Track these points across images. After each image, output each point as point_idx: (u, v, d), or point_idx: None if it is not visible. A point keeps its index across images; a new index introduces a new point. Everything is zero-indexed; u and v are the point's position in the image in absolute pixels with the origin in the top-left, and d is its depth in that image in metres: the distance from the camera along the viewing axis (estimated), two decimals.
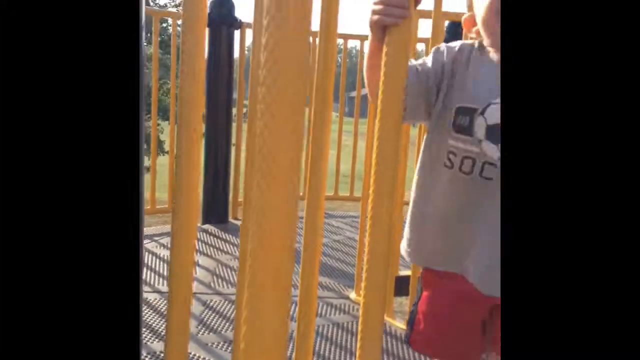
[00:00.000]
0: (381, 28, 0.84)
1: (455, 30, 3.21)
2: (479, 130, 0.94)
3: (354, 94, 4.55)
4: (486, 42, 1.01)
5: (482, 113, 0.94)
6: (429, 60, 1.02)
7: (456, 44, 1.03)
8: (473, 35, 1.04)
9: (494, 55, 1.00)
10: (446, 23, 2.94)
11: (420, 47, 3.13)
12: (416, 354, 1.82)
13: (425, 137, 1.08)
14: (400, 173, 2.07)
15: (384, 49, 0.84)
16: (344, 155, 4.00)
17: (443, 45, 1.03)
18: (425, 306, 1.08)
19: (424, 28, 2.32)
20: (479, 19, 0.99)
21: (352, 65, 5.12)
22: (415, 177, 1.10)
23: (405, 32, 0.85)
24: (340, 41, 3.89)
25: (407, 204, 2.31)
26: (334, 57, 1.01)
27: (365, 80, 1.03)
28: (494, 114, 0.93)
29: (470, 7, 1.05)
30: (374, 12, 0.85)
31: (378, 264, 0.88)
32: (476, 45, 1.02)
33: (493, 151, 0.94)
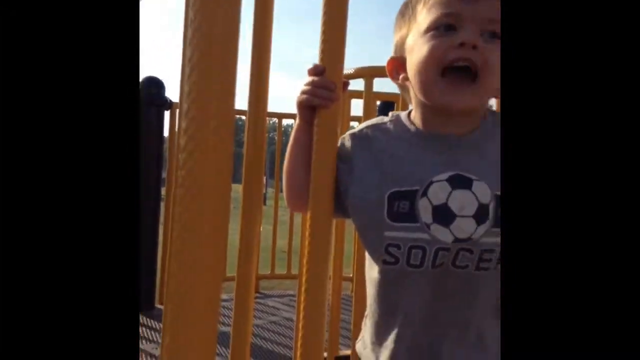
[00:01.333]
0: (309, 108, 0.84)
1: (387, 109, 3.37)
2: (424, 213, 0.82)
3: None
4: (414, 100, 0.90)
5: (425, 194, 0.82)
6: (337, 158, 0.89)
7: (361, 128, 0.92)
8: (399, 81, 0.92)
9: (419, 123, 0.88)
10: (378, 103, 3.08)
11: (355, 124, 3.25)
12: None
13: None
14: (338, 246, 2.06)
15: (314, 130, 0.86)
16: (280, 232, 3.96)
17: (345, 136, 0.91)
18: None
19: (356, 107, 2.41)
20: (411, 70, 0.86)
21: (287, 142, 5.13)
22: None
23: (334, 114, 0.86)
24: (274, 120, 3.97)
25: (348, 279, 2.28)
26: (263, 134, 1.01)
27: (284, 175, 0.92)
28: (438, 193, 0.82)
29: (397, 50, 0.92)
30: (303, 92, 0.84)
31: (313, 342, 0.85)
32: (391, 119, 0.92)
33: (446, 234, 0.82)
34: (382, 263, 0.86)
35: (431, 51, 0.81)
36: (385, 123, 0.91)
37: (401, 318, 0.88)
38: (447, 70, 0.81)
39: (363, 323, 0.99)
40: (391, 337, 0.89)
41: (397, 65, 0.92)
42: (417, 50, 0.84)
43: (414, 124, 0.89)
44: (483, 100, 0.87)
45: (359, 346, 0.98)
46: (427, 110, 0.87)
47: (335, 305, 2.04)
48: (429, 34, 0.82)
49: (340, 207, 0.87)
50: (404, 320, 0.88)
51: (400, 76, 0.91)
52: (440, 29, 0.81)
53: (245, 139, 0.99)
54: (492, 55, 0.80)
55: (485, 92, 0.84)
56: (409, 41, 0.87)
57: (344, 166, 0.87)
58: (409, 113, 0.92)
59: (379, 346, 0.92)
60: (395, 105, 2.02)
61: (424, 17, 0.84)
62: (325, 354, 1.96)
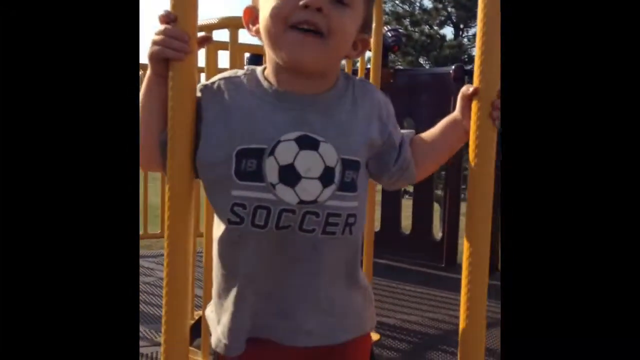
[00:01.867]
0: (162, 61, 0.79)
1: (255, 61, 3.28)
2: (270, 173, 0.80)
3: None
4: (268, 57, 0.87)
5: (272, 153, 0.80)
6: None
7: (214, 80, 0.87)
8: (253, 33, 0.88)
9: (273, 80, 0.86)
10: (246, 55, 2.99)
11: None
12: None
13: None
14: (195, 207, 2.00)
15: (169, 84, 0.80)
16: (152, 188, 3.79)
17: (197, 87, 0.85)
18: None
19: (223, 59, 2.31)
20: (261, 26, 0.84)
21: None
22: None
23: (190, 66, 0.80)
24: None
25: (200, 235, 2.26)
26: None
27: (141, 132, 0.81)
28: (285, 153, 0.80)
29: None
30: (154, 43, 0.78)
31: (176, 304, 0.82)
32: (246, 73, 0.88)
33: (290, 195, 0.80)
34: (227, 222, 0.83)
35: (277, 9, 0.79)
36: (239, 77, 0.87)
37: (241, 279, 0.85)
38: (294, 28, 0.80)
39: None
40: (231, 299, 0.87)
41: (252, 16, 0.88)
42: (265, 5, 0.82)
43: (267, 80, 0.86)
44: (332, 59, 0.85)
45: (208, 310, 0.95)
46: (279, 68, 0.85)
47: (209, 262, 2.01)
48: None
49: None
50: (244, 282, 0.85)
51: (254, 28, 0.88)
52: None
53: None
54: (338, 20, 0.79)
55: (333, 51, 0.82)
56: None
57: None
58: (264, 69, 0.89)
59: (221, 307, 0.90)
60: (264, 58, 1.96)
61: None
62: (200, 312, 1.93)
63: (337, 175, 0.82)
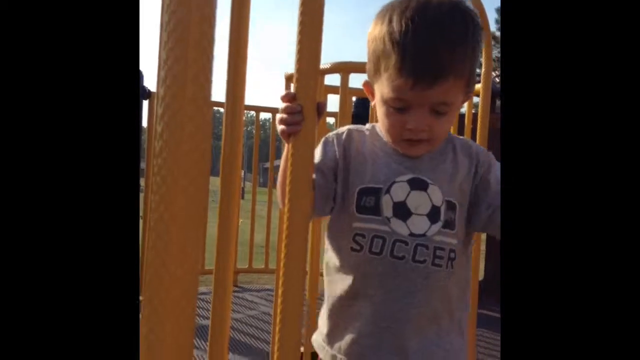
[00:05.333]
0: (288, 135, 0.85)
1: (362, 105, 3.37)
2: (386, 208, 0.94)
3: (267, 164, 4.57)
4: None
5: (388, 192, 0.94)
6: (323, 156, 0.99)
7: (344, 130, 1.02)
8: (372, 104, 1.02)
9: (386, 136, 0.99)
10: (354, 98, 3.08)
11: (331, 120, 3.24)
12: None
13: (327, 227, 1.02)
14: (315, 243, 2.05)
15: (289, 153, 0.86)
16: (258, 226, 3.95)
17: (331, 135, 1.02)
18: None
19: (333, 103, 2.41)
20: (378, 116, 0.98)
21: (265, 136, 5.13)
22: (325, 267, 1.03)
23: (306, 135, 0.83)
24: (252, 113, 3.94)
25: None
26: (240, 125, 1.00)
27: (278, 187, 0.97)
28: (398, 192, 0.94)
29: (369, 77, 1.01)
30: (278, 122, 0.88)
31: (290, 337, 0.85)
32: (368, 129, 1.03)
33: (402, 228, 0.93)
34: (350, 250, 0.96)
35: (389, 126, 0.94)
36: (363, 131, 1.03)
37: (362, 300, 0.95)
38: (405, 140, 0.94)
39: (319, 315, 1.04)
40: (353, 319, 0.96)
41: (369, 92, 1.01)
42: (379, 111, 0.96)
43: (379, 138, 1.01)
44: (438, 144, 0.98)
45: (315, 336, 1.04)
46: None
47: (312, 301, 2.04)
48: (385, 107, 0.93)
49: (331, 198, 0.97)
50: (366, 302, 0.95)
51: (372, 103, 1.01)
52: (393, 107, 0.91)
53: (223, 131, 0.98)
54: (440, 129, 0.92)
55: (439, 143, 0.97)
56: (375, 90, 0.96)
57: (332, 165, 0.98)
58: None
59: (340, 329, 0.98)
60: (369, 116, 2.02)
61: (384, 83, 0.90)
62: (302, 349, 1.96)
63: (442, 214, 0.95)
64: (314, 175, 0.96)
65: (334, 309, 0.99)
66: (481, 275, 3.40)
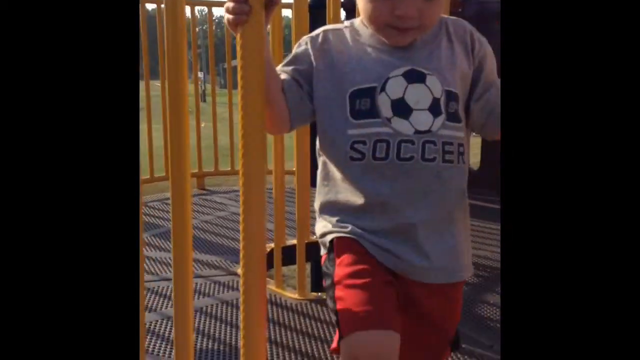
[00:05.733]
0: (235, 25, 0.81)
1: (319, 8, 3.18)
2: (384, 108, 0.86)
3: (225, 65, 4.41)
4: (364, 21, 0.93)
5: (383, 89, 0.87)
6: (294, 59, 0.93)
7: (318, 32, 0.94)
8: None
9: (372, 29, 0.91)
10: None
11: (286, 12, 3.09)
12: (306, 323, 1.84)
13: (318, 141, 0.96)
14: (278, 146, 2.04)
15: (239, 44, 0.82)
16: (222, 128, 3.89)
17: (305, 38, 0.94)
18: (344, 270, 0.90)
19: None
20: (361, 11, 0.90)
21: (222, 35, 4.95)
22: (319, 187, 0.97)
23: (255, 26, 0.81)
24: (204, 9, 3.71)
25: (290, 173, 2.30)
26: (183, 21, 0.94)
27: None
28: (394, 88, 0.87)
29: None
30: (225, 11, 0.82)
31: (253, 235, 0.86)
32: (347, 26, 0.94)
33: (406, 126, 0.86)
34: (349, 160, 0.89)
35: (373, 14, 0.87)
36: (341, 29, 0.94)
37: (374, 208, 0.89)
38: (392, 27, 0.87)
39: (319, 220, 0.98)
40: (369, 219, 0.90)
41: None
42: (361, 1, 0.89)
43: (368, 28, 0.92)
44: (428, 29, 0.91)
45: (320, 226, 0.97)
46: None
47: (279, 198, 2.07)
48: None
49: (308, 110, 0.92)
50: (378, 209, 0.89)
51: None
52: None
53: (164, 29, 0.92)
54: (429, 16, 0.86)
55: (427, 29, 0.89)
56: None
57: (305, 68, 0.91)
58: (362, 19, 0.93)
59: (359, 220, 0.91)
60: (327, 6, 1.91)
61: None
62: (272, 245, 2.02)
63: (442, 106, 0.88)
64: (283, 76, 0.92)
65: (343, 217, 0.92)
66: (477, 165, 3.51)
